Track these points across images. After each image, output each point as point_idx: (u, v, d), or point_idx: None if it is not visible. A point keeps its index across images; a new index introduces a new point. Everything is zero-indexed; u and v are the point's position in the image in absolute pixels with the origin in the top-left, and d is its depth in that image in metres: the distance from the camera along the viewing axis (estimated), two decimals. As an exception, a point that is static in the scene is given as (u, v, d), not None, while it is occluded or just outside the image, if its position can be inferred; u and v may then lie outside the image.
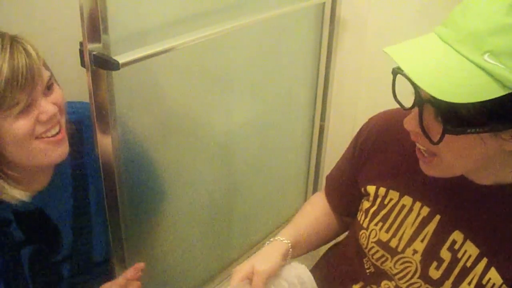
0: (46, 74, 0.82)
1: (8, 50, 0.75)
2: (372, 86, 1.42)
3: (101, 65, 0.83)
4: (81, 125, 0.94)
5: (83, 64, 0.83)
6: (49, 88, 0.83)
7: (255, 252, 1.52)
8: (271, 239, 0.97)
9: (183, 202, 1.20)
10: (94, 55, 0.82)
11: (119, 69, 0.82)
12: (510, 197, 0.77)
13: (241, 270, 0.89)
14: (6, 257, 0.89)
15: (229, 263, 1.43)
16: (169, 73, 1.03)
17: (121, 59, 0.83)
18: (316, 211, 1.05)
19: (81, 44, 0.82)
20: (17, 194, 0.83)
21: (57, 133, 0.84)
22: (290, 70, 1.37)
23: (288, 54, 1.34)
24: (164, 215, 1.17)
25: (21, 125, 0.78)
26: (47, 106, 0.81)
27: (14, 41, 0.77)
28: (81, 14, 0.78)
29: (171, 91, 1.06)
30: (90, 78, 0.84)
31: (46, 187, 0.91)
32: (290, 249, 0.95)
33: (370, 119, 0.96)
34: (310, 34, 1.39)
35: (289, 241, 0.95)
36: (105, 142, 0.91)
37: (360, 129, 0.97)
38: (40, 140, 0.82)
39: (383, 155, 0.91)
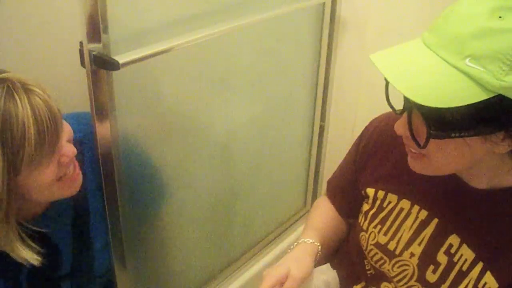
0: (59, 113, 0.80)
1: (28, 108, 0.72)
2: (372, 86, 1.42)
3: (101, 65, 0.83)
4: (82, 145, 0.92)
5: (83, 64, 0.83)
6: None
7: (255, 253, 1.52)
8: (300, 241, 0.94)
9: (183, 202, 1.20)
10: (94, 55, 0.82)
11: (119, 69, 0.82)
12: (505, 202, 0.77)
13: (275, 274, 0.86)
14: (7, 276, 0.89)
15: (229, 263, 1.43)
16: (169, 73, 1.03)
17: (121, 59, 0.83)
18: (329, 212, 1.04)
19: (81, 44, 0.82)
20: (28, 257, 0.81)
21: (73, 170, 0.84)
22: (290, 70, 1.37)
23: (288, 54, 1.34)
24: (164, 215, 1.17)
25: (47, 174, 0.77)
26: (68, 149, 0.80)
27: (29, 91, 0.73)
28: (81, 14, 0.78)
29: (171, 91, 1.06)
30: (90, 78, 0.84)
31: (47, 210, 0.90)
32: (319, 252, 0.94)
33: (371, 122, 0.97)
34: (310, 34, 1.39)
35: (319, 243, 0.94)
36: (105, 142, 0.91)
37: (362, 132, 0.98)
38: (60, 182, 0.82)
39: (383, 158, 0.92)
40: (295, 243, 0.95)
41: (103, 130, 0.89)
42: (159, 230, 1.18)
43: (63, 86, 0.91)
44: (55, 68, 1.04)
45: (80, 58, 0.83)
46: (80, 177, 0.86)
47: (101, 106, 0.87)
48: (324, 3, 1.36)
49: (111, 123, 0.90)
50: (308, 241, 0.94)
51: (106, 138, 0.90)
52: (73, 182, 0.85)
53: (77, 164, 0.85)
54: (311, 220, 1.03)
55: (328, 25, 1.40)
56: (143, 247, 1.13)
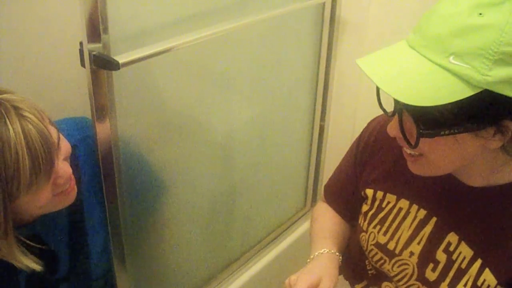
0: (55, 135, 0.77)
1: (22, 137, 0.70)
2: (372, 86, 1.41)
3: (101, 65, 0.83)
4: (75, 150, 0.90)
5: (83, 64, 0.84)
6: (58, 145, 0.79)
7: (255, 253, 1.52)
8: (323, 251, 0.92)
9: (183, 203, 1.20)
10: (94, 55, 0.82)
11: (119, 69, 0.82)
12: (501, 199, 0.78)
13: (307, 281, 0.84)
14: (5, 280, 0.88)
15: (229, 263, 1.43)
16: (169, 73, 1.03)
17: (121, 59, 0.83)
18: (334, 219, 1.03)
19: (81, 44, 0.82)
20: (29, 264, 0.81)
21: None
22: (290, 70, 1.37)
23: (288, 54, 1.34)
24: (164, 215, 1.17)
25: (44, 195, 0.77)
26: (63, 170, 0.79)
27: (20, 115, 0.72)
28: (81, 14, 0.78)
29: (171, 91, 1.06)
30: (90, 78, 0.84)
31: (42, 216, 0.89)
32: (340, 262, 0.94)
33: (369, 123, 0.97)
34: (310, 34, 1.39)
35: (339, 254, 0.94)
36: (105, 142, 0.91)
37: (360, 134, 0.98)
38: (55, 197, 0.81)
39: (381, 158, 0.92)
40: (317, 253, 0.92)
41: (103, 130, 0.89)
42: (159, 230, 1.18)
43: (63, 86, 0.91)
44: (55, 68, 1.04)
45: (80, 58, 0.83)
46: (75, 189, 0.85)
47: (101, 106, 0.87)
48: (324, 3, 1.36)
49: (111, 123, 0.90)
50: (331, 251, 0.93)
51: (106, 138, 0.91)
52: (67, 195, 0.83)
53: (72, 178, 0.84)
54: (321, 229, 1.01)
55: (328, 25, 1.40)
56: (143, 247, 1.13)
